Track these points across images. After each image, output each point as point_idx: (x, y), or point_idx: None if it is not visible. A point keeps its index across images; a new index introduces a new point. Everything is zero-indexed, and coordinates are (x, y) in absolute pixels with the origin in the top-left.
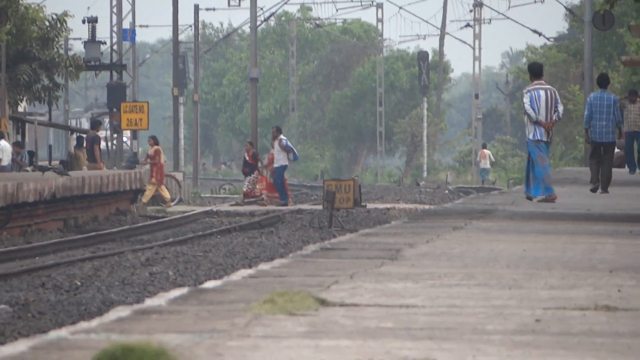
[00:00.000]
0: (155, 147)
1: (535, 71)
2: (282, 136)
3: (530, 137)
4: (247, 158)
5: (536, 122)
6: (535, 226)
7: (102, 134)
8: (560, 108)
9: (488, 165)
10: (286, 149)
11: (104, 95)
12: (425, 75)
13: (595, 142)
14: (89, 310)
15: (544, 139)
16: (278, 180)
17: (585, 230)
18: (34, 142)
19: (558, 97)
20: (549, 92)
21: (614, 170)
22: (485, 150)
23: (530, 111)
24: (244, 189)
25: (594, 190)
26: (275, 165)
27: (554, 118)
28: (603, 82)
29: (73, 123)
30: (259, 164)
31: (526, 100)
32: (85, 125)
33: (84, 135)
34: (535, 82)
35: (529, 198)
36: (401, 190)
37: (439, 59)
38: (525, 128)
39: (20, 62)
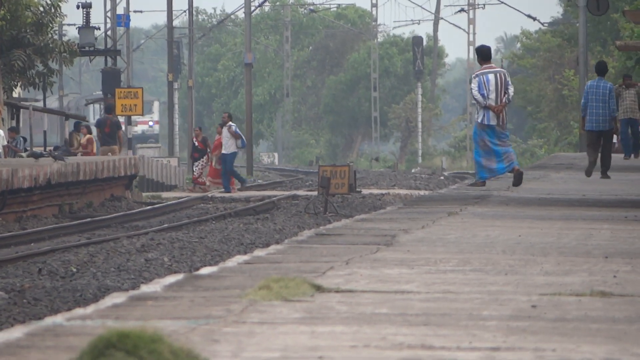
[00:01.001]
0: (88, 135)
1: (484, 54)
2: (231, 122)
3: (479, 120)
4: (196, 143)
5: (485, 107)
6: (530, 212)
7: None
8: (511, 90)
9: None
10: (235, 136)
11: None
12: (420, 60)
13: (592, 131)
14: (84, 296)
15: (493, 122)
16: (228, 168)
17: (581, 216)
18: (29, 128)
19: (509, 79)
20: (498, 74)
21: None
22: None
23: (478, 97)
24: (194, 174)
25: (589, 174)
26: (225, 151)
27: (504, 101)
28: (601, 70)
29: (93, 107)
30: (208, 150)
31: (474, 85)
32: (90, 110)
33: (83, 120)
34: (485, 65)
35: (482, 183)
36: (396, 176)
37: (433, 44)
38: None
39: (15, 48)
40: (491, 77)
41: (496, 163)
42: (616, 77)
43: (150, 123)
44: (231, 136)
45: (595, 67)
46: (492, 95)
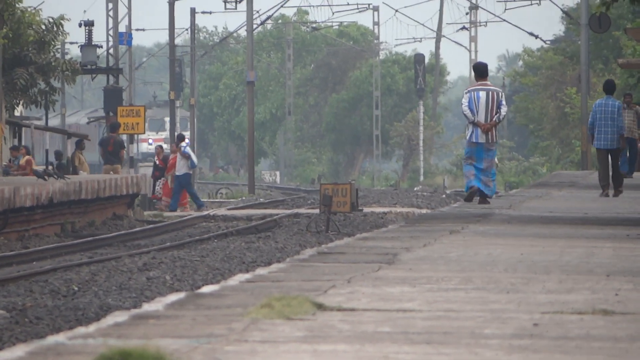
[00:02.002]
0: (27, 157)
1: (479, 71)
2: (182, 143)
3: (467, 137)
4: (157, 162)
5: (474, 124)
6: (532, 230)
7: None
8: (503, 110)
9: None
10: (184, 156)
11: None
12: (422, 78)
13: (600, 149)
14: (86, 315)
15: (481, 140)
16: (177, 188)
17: (583, 234)
18: (31, 146)
19: (502, 99)
20: (490, 93)
21: None
22: None
23: (467, 112)
24: (154, 193)
25: (606, 195)
26: (177, 173)
27: (494, 119)
28: (608, 88)
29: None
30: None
31: (464, 101)
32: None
33: (84, 139)
34: (479, 82)
35: (470, 194)
36: (398, 194)
37: (435, 61)
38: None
39: (17, 66)
40: (482, 94)
41: (474, 177)
42: (618, 95)
43: (187, 140)
44: (182, 157)
45: (604, 85)
46: (482, 113)
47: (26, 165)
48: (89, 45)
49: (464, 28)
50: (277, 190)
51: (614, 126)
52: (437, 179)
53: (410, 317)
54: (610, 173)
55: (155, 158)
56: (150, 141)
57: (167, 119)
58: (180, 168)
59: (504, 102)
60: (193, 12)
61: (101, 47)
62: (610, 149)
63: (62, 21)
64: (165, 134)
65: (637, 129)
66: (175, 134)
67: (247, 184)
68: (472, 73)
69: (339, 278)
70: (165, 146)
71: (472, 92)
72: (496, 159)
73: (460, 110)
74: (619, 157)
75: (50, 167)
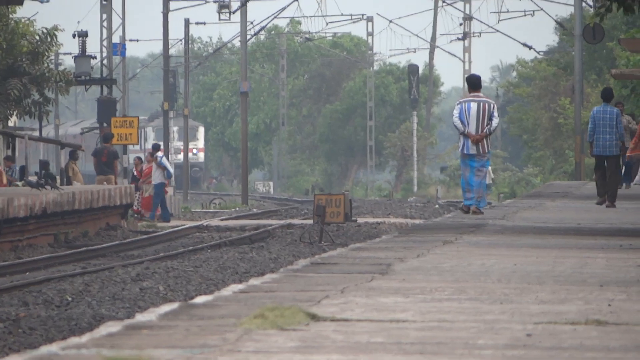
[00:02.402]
0: None
1: (472, 83)
2: (158, 154)
3: (459, 149)
4: (135, 173)
5: (464, 135)
6: (526, 240)
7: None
8: (495, 121)
9: (489, 181)
10: (160, 167)
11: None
12: (415, 88)
13: (599, 156)
14: (79, 325)
15: (472, 152)
16: (156, 199)
17: (576, 245)
18: (25, 157)
19: (494, 111)
20: (481, 104)
21: None
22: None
23: (457, 123)
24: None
25: (600, 204)
26: (153, 182)
27: (484, 131)
28: (607, 96)
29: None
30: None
31: (455, 112)
32: (152, 135)
33: (78, 149)
34: (471, 94)
35: (467, 209)
36: (391, 205)
37: (429, 72)
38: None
39: (11, 77)
40: (473, 105)
41: (470, 194)
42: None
43: (195, 151)
44: (157, 167)
45: (602, 93)
46: (473, 124)
47: None
48: (82, 56)
49: (458, 39)
50: (270, 201)
51: (612, 133)
52: (430, 190)
53: (404, 328)
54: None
55: (134, 169)
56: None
57: (175, 129)
58: (156, 178)
59: (495, 114)
60: (187, 23)
61: (95, 57)
62: (608, 155)
63: (55, 32)
64: (173, 144)
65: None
66: (151, 144)
67: (241, 194)
68: (465, 84)
69: (332, 288)
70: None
71: (464, 104)
72: (491, 173)
73: (452, 121)
74: (616, 166)
75: (37, 178)
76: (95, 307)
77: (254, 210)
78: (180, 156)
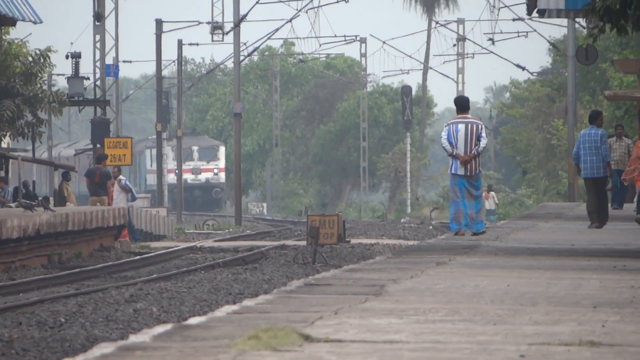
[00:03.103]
0: None
1: (459, 104)
2: (121, 176)
3: (449, 170)
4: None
5: (453, 156)
6: (519, 262)
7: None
8: (483, 142)
9: (492, 207)
10: (125, 190)
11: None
12: (409, 110)
13: (586, 178)
14: (73, 346)
15: (460, 172)
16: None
17: (570, 266)
18: (18, 178)
19: (482, 132)
20: (469, 125)
21: None
22: (490, 192)
23: (446, 145)
24: None
25: (594, 227)
26: (115, 206)
27: (472, 152)
28: (591, 117)
29: (151, 152)
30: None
31: (444, 134)
32: (170, 155)
33: (71, 170)
34: (459, 115)
35: (455, 233)
36: (385, 226)
37: (422, 93)
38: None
39: (4, 98)
40: (461, 127)
41: (463, 219)
42: (605, 127)
43: (215, 171)
44: (121, 190)
45: (589, 115)
46: (461, 146)
47: None
48: (76, 77)
49: (451, 60)
50: (264, 222)
51: (598, 154)
52: (424, 211)
53: (397, 349)
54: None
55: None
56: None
57: (195, 148)
58: (119, 201)
59: (483, 135)
60: (180, 44)
61: (88, 78)
62: (596, 177)
63: (49, 53)
64: (193, 164)
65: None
66: (114, 169)
67: (234, 215)
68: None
69: (326, 309)
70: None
71: (452, 125)
72: (495, 198)
73: (440, 143)
74: (604, 187)
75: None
76: (88, 328)
77: (248, 231)
78: (201, 176)
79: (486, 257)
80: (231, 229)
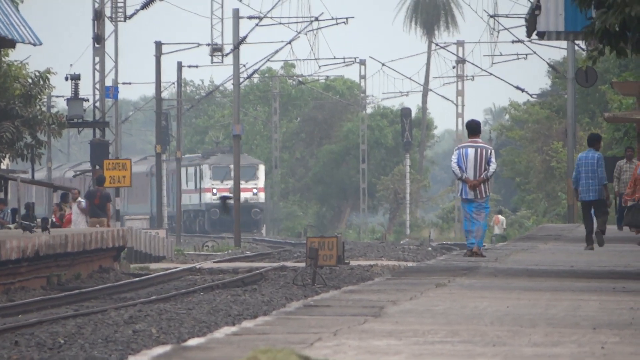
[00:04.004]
0: None
1: (471, 128)
2: (80, 199)
3: (458, 194)
4: (54, 220)
5: (461, 180)
6: (518, 283)
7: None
8: (492, 167)
9: (501, 231)
10: (84, 211)
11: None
12: (408, 132)
13: (583, 201)
14: None
15: (470, 197)
16: None
17: (569, 287)
18: (17, 199)
19: (492, 156)
20: (479, 150)
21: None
22: (499, 216)
23: (455, 169)
24: None
25: (590, 249)
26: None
27: (482, 176)
28: (590, 141)
29: (187, 170)
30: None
31: (454, 157)
32: (208, 174)
33: (70, 192)
34: (470, 139)
35: (470, 252)
36: (384, 247)
37: (422, 115)
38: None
39: (3, 120)
40: (471, 151)
41: (470, 238)
42: (605, 149)
43: (255, 191)
44: (80, 212)
45: (587, 138)
46: (470, 170)
47: None
48: (75, 99)
49: (453, 82)
50: (263, 244)
51: (594, 178)
52: (423, 232)
53: None
54: (594, 225)
55: (53, 216)
56: (214, 191)
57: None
58: (79, 223)
59: (493, 159)
60: (179, 66)
61: (87, 100)
62: (592, 200)
63: (48, 75)
64: (231, 183)
65: None
66: (73, 190)
67: (233, 236)
68: (458, 127)
69: (325, 331)
70: (260, 195)
71: (462, 149)
72: (504, 224)
73: (448, 164)
74: (603, 209)
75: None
76: (88, 350)
77: (247, 252)
78: (240, 196)
79: (486, 278)
80: (230, 251)
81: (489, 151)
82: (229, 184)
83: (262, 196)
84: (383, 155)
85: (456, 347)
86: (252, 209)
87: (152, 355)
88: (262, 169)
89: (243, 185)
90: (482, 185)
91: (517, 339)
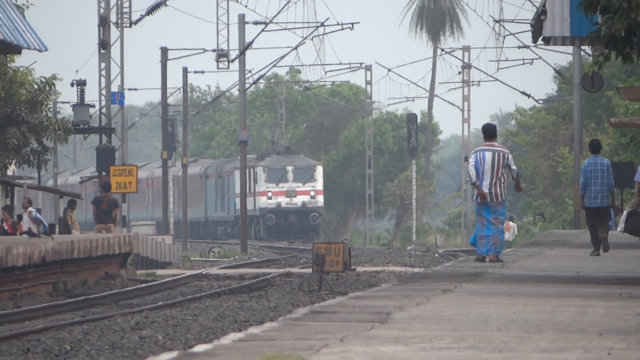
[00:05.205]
0: None
1: (487, 132)
2: (31, 208)
3: (474, 198)
4: (6, 228)
5: (474, 185)
6: (525, 289)
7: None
8: (514, 167)
9: (512, 238)
10: (36, 222)
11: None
12: (414, 137)
13: (590, 208)
14: None
15: (484, 200)
16: None
17: (575, 293)
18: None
19: (509, 160)
20: (496, 153)
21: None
22: (510, 223)
23: (472, 172)
24: None
25: (596, 255)
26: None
27: (513, 176)
28: (595, 147)
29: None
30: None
31: (471, 160)
32: (262, 176)
33: (77, 198)
34: (487, 142)
35: (482, 258)
36: (391, 253)
37: (427, 121)
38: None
39: (9, 126)
40: (488, 155)
41: (485, 245)
42: (611, 155)
43: (312, 193)
44: (32, 222)
45: (590, 145)
46: (487, 173)
47: None
48: (81, 105)
49: (458, 88)
50: (269, 250)
51: (603, 184)
52: (429, 238)
53: None
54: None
55: (4, 224)
56: (269, 194)
57: (290, 168)
58: None
59: (511, 162)
60: (185, 71)
61: (93, 106)
62: (600, 206)
63: (54, 81)
64: (288, 185)
65: None
66: (23, 200)
67: (240, 243)
68: (464, 133)
69: (331, 337)
70: (319, 198)
71: (479, 153)
72: (516, 230)
73: (454, 170)
74: (607, 216)
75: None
76: (94, 356)
77: (253, 258)
78: (297, 199)
79: (492, 284)
80: (237, 257)
81: (507, 155)
82: (285, 186)
83: (320, 199)
84: (388, 161)
85: (463, 353)
86: (310, 214)
87: None
88: (320, 170)
89: (300, 188)
90: (498, 188)
91: (524, 345)
